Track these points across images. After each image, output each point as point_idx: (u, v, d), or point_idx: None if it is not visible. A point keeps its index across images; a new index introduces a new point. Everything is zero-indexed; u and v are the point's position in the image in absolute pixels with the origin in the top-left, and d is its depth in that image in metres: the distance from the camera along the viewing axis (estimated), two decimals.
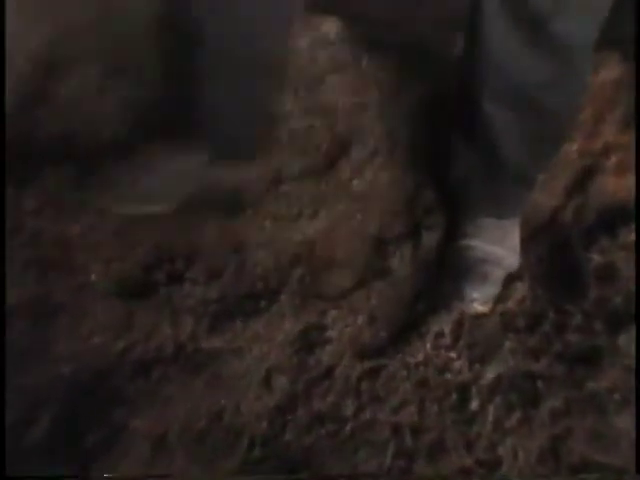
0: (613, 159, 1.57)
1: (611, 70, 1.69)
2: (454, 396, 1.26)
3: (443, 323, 1.33)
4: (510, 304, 1.35)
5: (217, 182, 1.51)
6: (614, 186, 1.53)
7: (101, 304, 1.38)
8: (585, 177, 1.55)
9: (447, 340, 1.32)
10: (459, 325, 1.33)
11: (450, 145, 1.42)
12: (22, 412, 1.18)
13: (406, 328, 1.35)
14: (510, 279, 1.38)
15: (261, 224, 1.54)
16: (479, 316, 1.33)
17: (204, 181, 1.49)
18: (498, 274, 1.34)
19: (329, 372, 1.31)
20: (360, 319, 1.38)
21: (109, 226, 1.50)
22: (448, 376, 1.28)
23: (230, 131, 1.43)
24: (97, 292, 1.39)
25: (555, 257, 1.43)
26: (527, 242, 1.41)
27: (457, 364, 1.29)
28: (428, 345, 1.32)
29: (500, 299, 1.35)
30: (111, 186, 1.43)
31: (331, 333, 1.36)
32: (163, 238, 1.48)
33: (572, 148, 1.58)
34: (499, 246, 1.35)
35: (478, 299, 1.30)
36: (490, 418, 1.22)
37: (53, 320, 1.33)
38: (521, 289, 1.36)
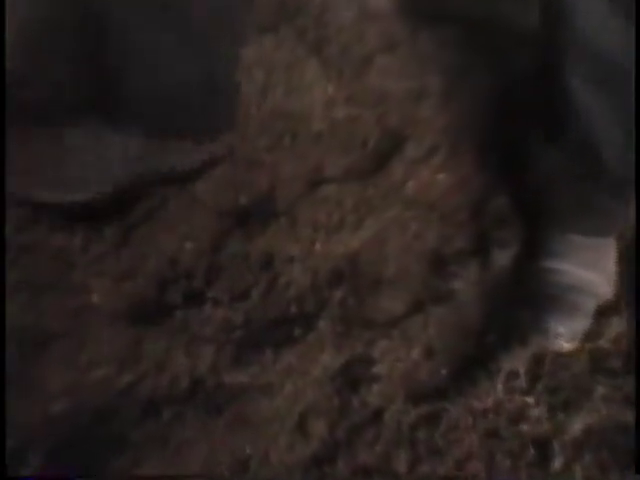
0: None
1: None
2: (531, 451, 1.20)
3: (517, 361, 1.26)
4: (603, 341, 1.28)
5: (158, 164, 1.43)
6: None
7: (104, 329, 1.32)
8: None
9: (522, 382, 1.26)
10: (538, 364, 1.26)
11: (528, 140, 1.34)
12: (6, 457, 1.12)
13: (471, 365, 1.28)
14: (603, 311, 1.31)
15: (295, 234, 1.48)
16: (564, 354, 1.26)
17: (143, 163, 1.41)
18: (590, 305, 1.26)
19: (377, 416, 1.24)
20: (415, 352, 1.31)
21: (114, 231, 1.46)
22: (524, 427, 1.22)
23: (174, 102, 1.36)
24: (99, 314, 1.34)
25: None
26: (624, 265, 1.34)
27: (535, 412, 1.23)
28: (499, 387, 1.25)
29: (591, 335, 1.28)
30: (30, 172, 1.37)
31: (380, 368, 1.30)
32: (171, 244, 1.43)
33: None
34: (592, 271, 1.27)
35: (564, 334, 1.23)
36: None
37: (44, 349, 1.28)
38: (616, 324, 1.29)
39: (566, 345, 1.24)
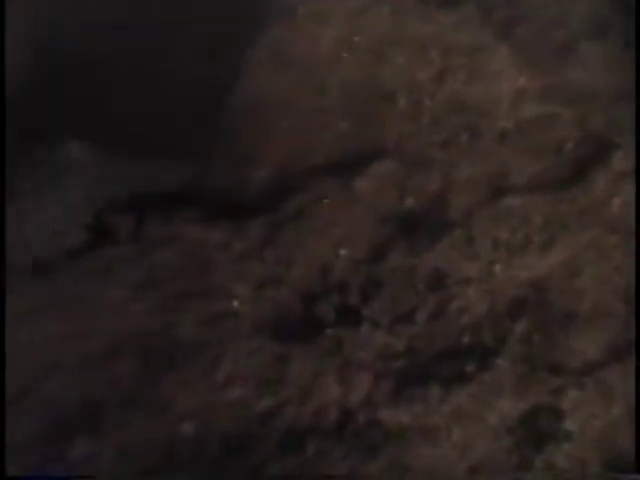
0: None
1: None
2: None
3: None
4: None
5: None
6: None
7: (244, 343, 1.31)
8: None
9: None
10: None
11: None
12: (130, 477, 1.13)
13: None
14: None
15: (471, 251, 1.43)
16: None
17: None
18: None
19: None
20: (615, 409, 1.23)
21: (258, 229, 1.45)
22: None
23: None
24: (240, 325, 1.33)
25: None
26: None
27: None
28: None
29: None
30: None
31: (570, 425, 1.23)
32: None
33: None
34: None
35: None
36: None
37: (173, 362, 1.28)
38: None
39: None
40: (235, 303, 1.37)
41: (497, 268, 1.41)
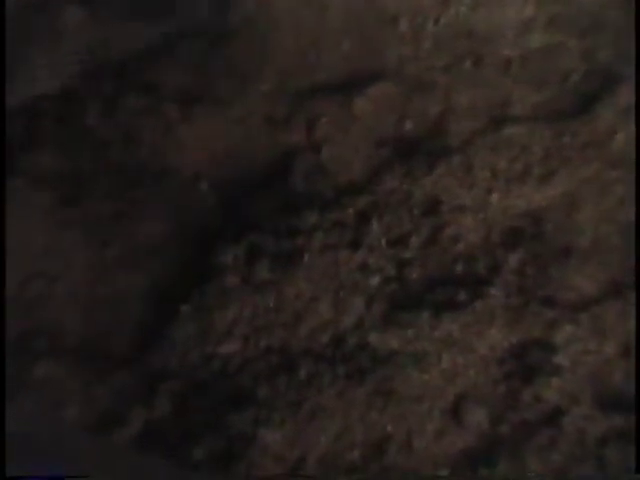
0: None
1: None
2: None
3: None
4: None
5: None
6: None
7: None
8: None
9: None
10: None
11: None
12: None
13: None
14: None
15: (469, 179, 1.36)
16: None
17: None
18: None
19: (553, 419, 1.13)
20: (609, 347, 1.18)
21: None
22: None
23: None
24: None
25: None
26: None
27: None
28: None
29: None
30: None
31: (561, 359, 1.18)
32: None
33: None
34: None
35: None
36: None
37: None
38: None
39: None
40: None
41: (494, 197, 1.34)
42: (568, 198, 1.35)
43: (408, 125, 1.42)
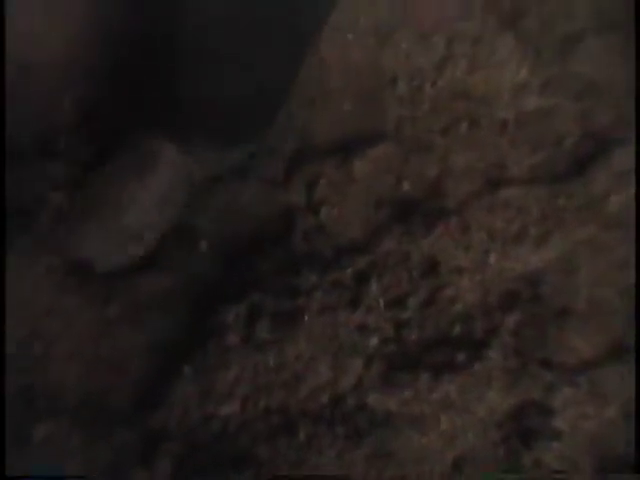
0: None
1: None
2: None
3: None
4: None
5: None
6: None
7: None
8: None
9: None
10: None
11: None
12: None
13: None
14: None
15: (466, 240, 1.37)
16: None
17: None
18: None
19: None
20: (609, 411, 1.18)
21: None
22: None
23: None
24: None
25: None
26: None
27: None
28: None
29: None
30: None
31: (560, 423, 1.18)
32: None
33: None
34: None
35: None
36: None
37: None
38: None
39: None
40: None
41: (491, 259, 1.35)
42: (565, 260, 1.35)
43: (406, 186, 1.43)
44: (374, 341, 1.24)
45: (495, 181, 1.45)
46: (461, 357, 1.23)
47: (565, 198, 1.41)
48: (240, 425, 1.18)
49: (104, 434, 1.17)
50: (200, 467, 1.15)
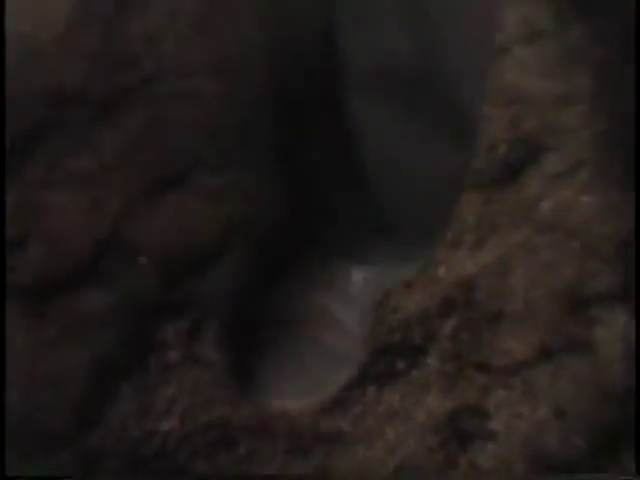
0: None
1: None
2: None
3: None
4: None
5: None
6: None
7: None
8: None
9: None
10: None
11: None
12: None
13: (614, 437, 1.16)
14: None
15: None
16: None
17: None
18: None
19: None
20: (541, 411, 1.20)
21: None
22: None
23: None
24: None
25: None
26: None
27: None
28: None
29: None
30: None
31: (495, 425, 1.20)
32: None
33: None
34: None
35: None
36: None
37: None
38: None
39: None
40: None
41: (428, 267, 1.37)
42: (499, 264, 1.38)
43: None
44: None
45: None
46: (401, 365, 1.24)
47: (498, 204, 1.44)
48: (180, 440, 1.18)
49: (42, 455, 1.16)
50: None
